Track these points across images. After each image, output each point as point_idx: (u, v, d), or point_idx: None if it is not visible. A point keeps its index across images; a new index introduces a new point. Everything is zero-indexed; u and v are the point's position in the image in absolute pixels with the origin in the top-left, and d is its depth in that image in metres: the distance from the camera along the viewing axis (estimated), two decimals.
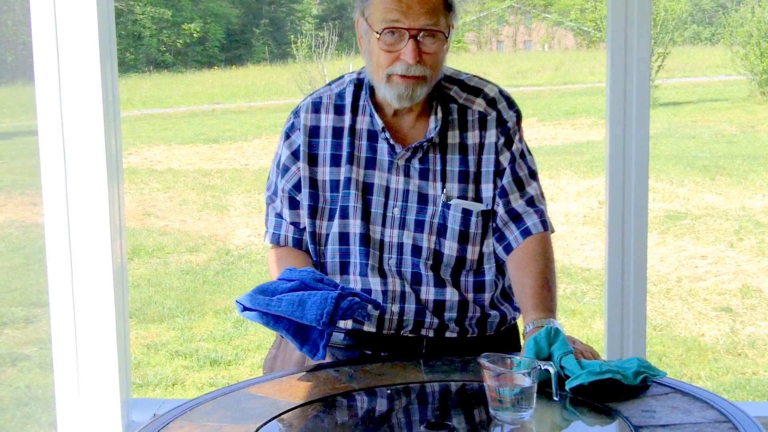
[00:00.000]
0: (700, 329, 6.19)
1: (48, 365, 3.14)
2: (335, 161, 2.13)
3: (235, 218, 9.79)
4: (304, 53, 17.88)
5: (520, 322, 2.17)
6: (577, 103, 17.23)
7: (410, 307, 2.09)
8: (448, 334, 2.12)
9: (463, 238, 2.09)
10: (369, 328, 2.11)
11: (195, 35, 24.74)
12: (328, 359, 2.10)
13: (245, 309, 1.85)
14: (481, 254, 2.12)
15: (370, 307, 2.00)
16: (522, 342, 2.04)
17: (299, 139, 2.15)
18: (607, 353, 2.98)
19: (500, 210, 2.11)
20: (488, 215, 2.12)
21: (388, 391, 1.82)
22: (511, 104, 2.17)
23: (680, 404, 1.70)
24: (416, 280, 2.09)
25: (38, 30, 2.96)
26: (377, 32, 2.01)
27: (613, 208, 2.94)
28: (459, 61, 22.36)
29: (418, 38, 2.00)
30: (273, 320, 1.85)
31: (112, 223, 3.02)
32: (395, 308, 2.08)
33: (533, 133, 13.84)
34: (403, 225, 2.09)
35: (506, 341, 2.20)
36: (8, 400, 3.44)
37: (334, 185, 2.13)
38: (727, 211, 9.18)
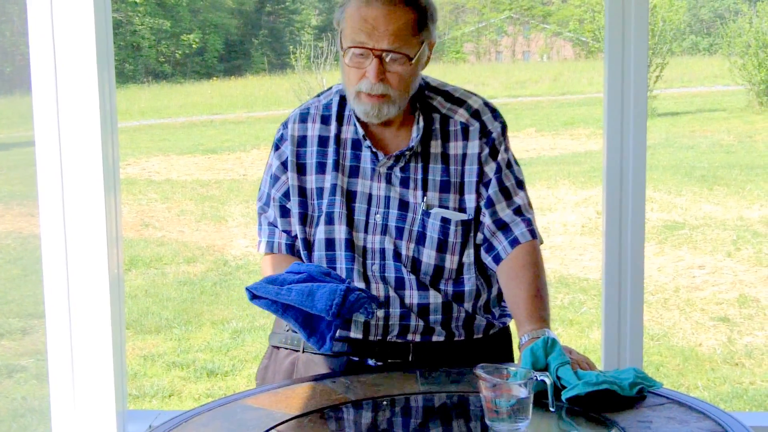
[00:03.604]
0: (697, 339, 6.18)
1: (44, 376, 3.13)
2: (321, 169, 2.16)
3: (232, 229, 9.79)
4: (303, 64, 17.90)
5: (513, 327, 2.19)
6: (575, 113, 17.24)
7: (395, 311, 2.10)
8: (434, 338, 2.12)
9: (442, 247, 2.10)
10: (356, 334, 2.12)
11: (194, 46, 24.77)
12: (321, 370, 2.11)
13: (254, 297, 1.87)
14: (460, 264, 2.12)
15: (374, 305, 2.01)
16: (516, 352, 2.04)
17: (287, 149, 2.19)
18: (605, 363, 2.98)
19: (487, 220, 2.12)
20: (469, 225, 2.12)
21: (384, 403, 1.81)
22: (496, 115, 2.18)
23: (677, 415, 1.70)
24: (400, 284, 2.11)
25: (36, 40, 2.97)
26: (343, 49, 2.06)
27: (610, 218, 2.94)
28: (457, 71, 22.44)
29: (384, 58, 2.03)
30: (282, 309, 1.86)
31: (109, 233, 3.02)
32: (380, 313, 2.10)
33: (531, 144, 13.84)
34: (384, 231, 2.11)
35: (496, 345, 2.21)
36: (4, 411, 3.44)
37: (321, 192, 2.15)
38: (724, 221, 9.18)
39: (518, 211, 2.13)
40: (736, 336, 6.18)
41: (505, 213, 2.12)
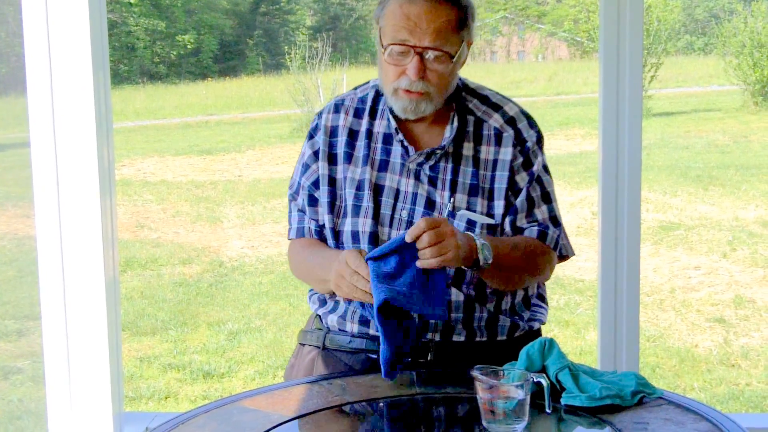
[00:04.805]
0: (693, 340, 6.19)
1: (40, 378, 3.13)
2: (348, 159, 2.17)
3: (228, 230, 9.78)
4: (298, 64, 17.88)
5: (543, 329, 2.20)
6: (570, 113, 17.27)
7: None
8: (455, 338, 2.10)
9: None
10: (375, 332, 2.10)
11: (189, 46, 24.76)
12: (340, 366, 2.11)
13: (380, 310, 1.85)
14: None
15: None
16: None
17: (320, 139, 2.20)
18: (601, 364, 2.98)
19: (507, 227, 2.12)
20: (494, 230, 2.11)
21: (381, 405, 1.81)
22: (531, 124, 2.19)
23: (673, 416, 1.70)
24: None
25: (31, 42, 2.96)
26: (384, 47, 2.06)
27: (605, 218, 2.94)
28: None
29: (425, 55, 2.03)
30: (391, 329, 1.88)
31: (104, 235, 3.01)
32: None
33: None
34: (408, 227, 2.09)
35: (519, 348, 2.18)
36: (1, 413, 3.43)
37: (347, 183, 2.16)
38: (720, 221, 9.19)
39: (535, 222, 2.14)
40: (732, 337, 6.19)
41: (522, 222, 2.13)
